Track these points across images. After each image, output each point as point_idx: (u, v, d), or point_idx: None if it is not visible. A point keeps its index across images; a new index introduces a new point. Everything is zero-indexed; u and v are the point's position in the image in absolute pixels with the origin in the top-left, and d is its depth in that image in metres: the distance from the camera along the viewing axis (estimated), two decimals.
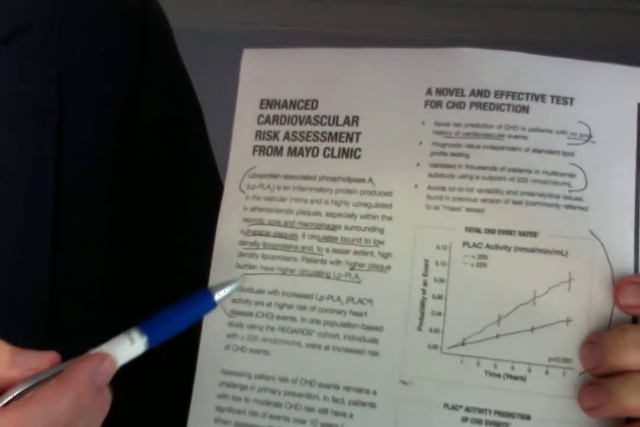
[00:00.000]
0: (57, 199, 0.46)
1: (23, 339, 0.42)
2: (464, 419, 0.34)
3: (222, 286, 0.34)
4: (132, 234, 0.52)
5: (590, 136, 0.33)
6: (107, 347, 0.31)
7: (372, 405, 0.34)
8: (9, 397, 0.29)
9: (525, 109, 0.34)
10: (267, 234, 0.38)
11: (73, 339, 0.45)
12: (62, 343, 0.43)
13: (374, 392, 0.35)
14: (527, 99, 0.34)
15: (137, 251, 0.52)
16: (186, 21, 2.35)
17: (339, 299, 0.36)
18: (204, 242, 0.53)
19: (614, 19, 2.60)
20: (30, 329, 0.45)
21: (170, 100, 0.54)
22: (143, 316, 0.48)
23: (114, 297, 0.50)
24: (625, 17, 2.59)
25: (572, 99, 0.34)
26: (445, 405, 0.34)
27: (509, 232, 0.34)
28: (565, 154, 0.33)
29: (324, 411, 0.35)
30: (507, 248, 0.34)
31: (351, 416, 0.35)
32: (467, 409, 0.34)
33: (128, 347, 0.31)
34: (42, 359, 0.31)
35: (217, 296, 0.33)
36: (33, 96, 0.47)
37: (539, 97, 0.34)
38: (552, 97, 0.34)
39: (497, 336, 0.33)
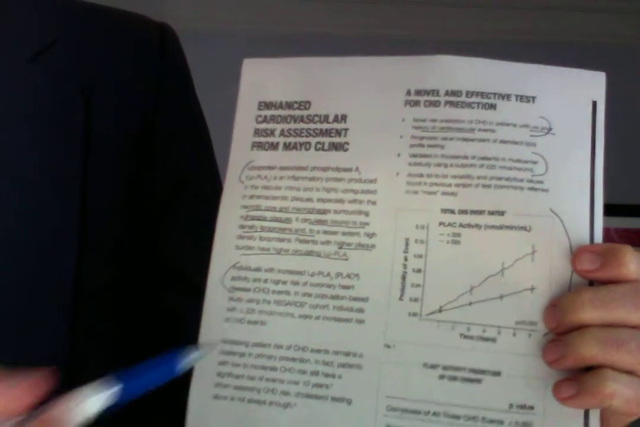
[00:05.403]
0: (82, 211, 0.49)
1: (49, 338, 0.46)
2: (441, 377, 0.38)
3: (194, 352, 0.36)
4: (142, 246, 0.55)
5: (550, 129, 0.38)
6: (84, 393, 0.34)
7: (359, 367, 0.39)
8: None
9: (492, 107, 0.39)
10: (264, 219, 0.42)
11: (93, 341, 0.49)
12: (83, 346, 0.47)
13: (361, 355, 0.39)
14: (494, 98, 0.39)
15: (144, 262, 0.56)
16: (183, 22, 2.39)
17: (328, 274, 0.40)
18: (205, 254, 0.56)
19: (614, 19, 2.64)
20: (54, 328, 0.48)
21: (183, 119, 0.58)
22: (148, 325, 0.52)
23: (130, 305, 0.54)
24: (625, 17, 2.63)
25: (534, 98, 0.39)
26: (425, 365, 0.38)
27: (480, 212, 0.38)
28: (528, 144, 0.38)
29: (315, 373, 0.39)
30: (478, 226, 0.38)
31: (340, 376, 0.39)
32: (444, 368, 0.38)
33: (102, 395, 0.34)
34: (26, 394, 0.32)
35: (187, 362, 0.35)
36: (60, 112, 0.50)
37: (505, 96, 0.39)
38: (517, 96, 0.39)
39: (470, 304, 0.38)
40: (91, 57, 0.54)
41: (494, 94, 0.39)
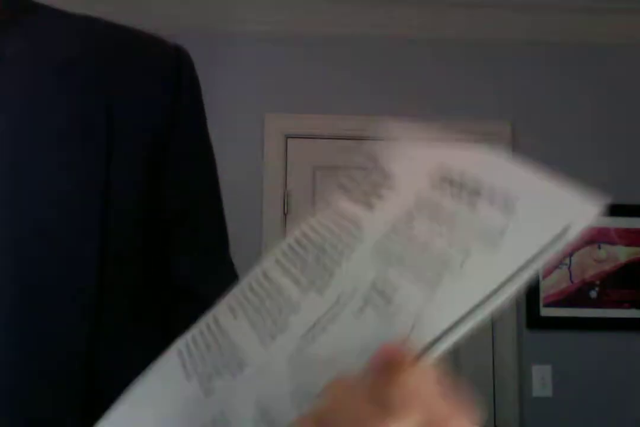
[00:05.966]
0: (103, 218, 0.52)
1: (70, 337, 0.49)
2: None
3: None
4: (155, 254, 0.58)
5: (502, 235, 0.36)
6: None
7: (242, 371, 0.42)
8: None
9: (473, 204, 0.38)
10: (296, 243, 0.46)
11: (112, 343, 0.51)
12: (102, 346, 0.50)
13: (247, 364, 0.42)
14: (476, 195, 0.39)
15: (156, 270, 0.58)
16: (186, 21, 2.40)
17: (289, 299, 0.43)
18: (208, 266, 0.59)
19: (614, 19, 2.65)
20: (76, 328, 0.51)
21: (194, 137, 0.61)
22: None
23: (145, 310, 0.57)
24: (625, 17, 2.64)
25: (513, 206, 0.37)
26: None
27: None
28: (461, 248, 0.37)
29: (222, 366, 0.43)
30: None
31: (231, 374, 0.42)
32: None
33: None
34: None
35: None
36: (83, 123, 0.53)
37: (489, 196, 0.38)
38: (503, 200, 0.38)
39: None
40: (112, 73, 0.57)
41: (478, 190, 0.39)
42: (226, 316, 0.46)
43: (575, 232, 0.35)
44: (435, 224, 0.39)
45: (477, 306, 0.35)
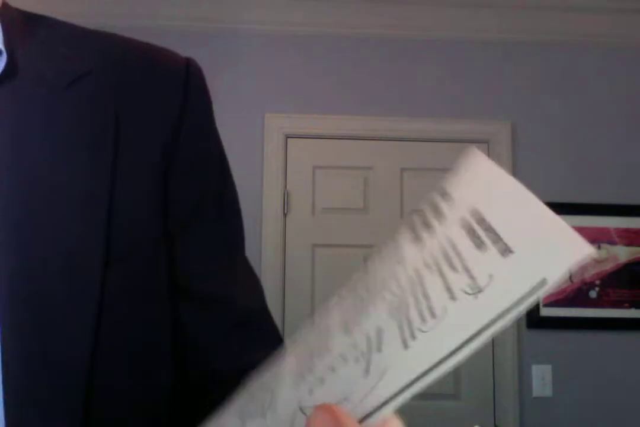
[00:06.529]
0: (108, 224, 0.53)
1: (74, 338, 0.49)
2: None
3: None
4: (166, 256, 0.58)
5: (480, 291, 0.34)
6: None
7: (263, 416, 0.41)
8: None
9: (483, 245, 0.36)
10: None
11: (114, 341, 0.52)
12: (105, 345, 0.50)
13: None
14: (492, 239, 0.35)
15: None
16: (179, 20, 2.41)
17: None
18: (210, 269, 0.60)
19: (613, 19, 2.65)
20: (79, 328, 0.51)
21: (203, 149, 0.62)
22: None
23: (147, 308, 0.57)
24: (624, 17, 2.64)
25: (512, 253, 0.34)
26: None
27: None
28: (450, 295, 0.35)
29: (257, 402, 0.42)
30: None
31: (264, 413, 0.41)
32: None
33: None
34: None
35: None
36: (91, 135, 0.55)
37: (501, 243, 0.35)
38: (505, 245, 0.35)
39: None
40: (122, 85, 0.58)
41: (498, 238, 0.35)
42: (285, 351, 0.45)
43: (552, 283, 0.33)
44: (444, 272, 0.36)
45: (436, 365, 0.34)
